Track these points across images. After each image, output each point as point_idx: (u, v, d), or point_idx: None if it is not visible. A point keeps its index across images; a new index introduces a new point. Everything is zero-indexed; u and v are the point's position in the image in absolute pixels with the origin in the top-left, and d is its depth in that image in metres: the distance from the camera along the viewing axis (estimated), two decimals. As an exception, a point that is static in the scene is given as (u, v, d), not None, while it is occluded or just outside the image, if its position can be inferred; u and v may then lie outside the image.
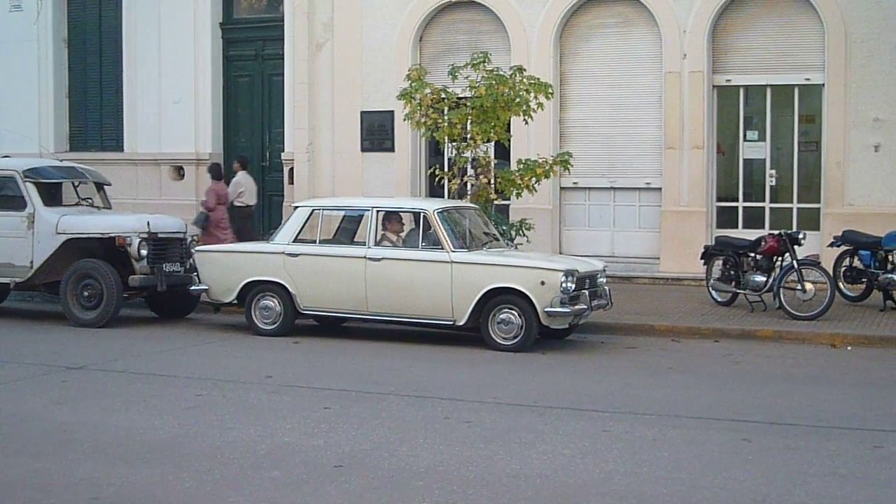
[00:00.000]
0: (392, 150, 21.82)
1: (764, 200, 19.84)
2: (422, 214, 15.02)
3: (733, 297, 17.06)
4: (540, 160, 17.41)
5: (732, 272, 17.08)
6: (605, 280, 15.28)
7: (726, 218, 20.04)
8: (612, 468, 8.75)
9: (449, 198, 18.32)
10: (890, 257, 16.64)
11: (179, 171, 23.86)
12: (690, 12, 19.81)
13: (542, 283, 14.08)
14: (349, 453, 9.11)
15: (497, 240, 15.82)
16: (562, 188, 20.66)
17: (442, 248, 14.59)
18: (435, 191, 20.51)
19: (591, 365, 13.57)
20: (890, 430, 10.18)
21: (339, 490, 8.09)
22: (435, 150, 21.18)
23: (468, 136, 17.31)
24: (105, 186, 18.14)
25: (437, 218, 14.78)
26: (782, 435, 10.00)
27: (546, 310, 14.04)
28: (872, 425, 10.36)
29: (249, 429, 9.97)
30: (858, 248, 16.97)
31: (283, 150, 22.94)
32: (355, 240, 15.84)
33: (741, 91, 20.12)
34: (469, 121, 17.19)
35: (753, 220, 19.83)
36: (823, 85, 19.36)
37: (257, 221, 23.19)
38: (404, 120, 18.02)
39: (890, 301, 16.69)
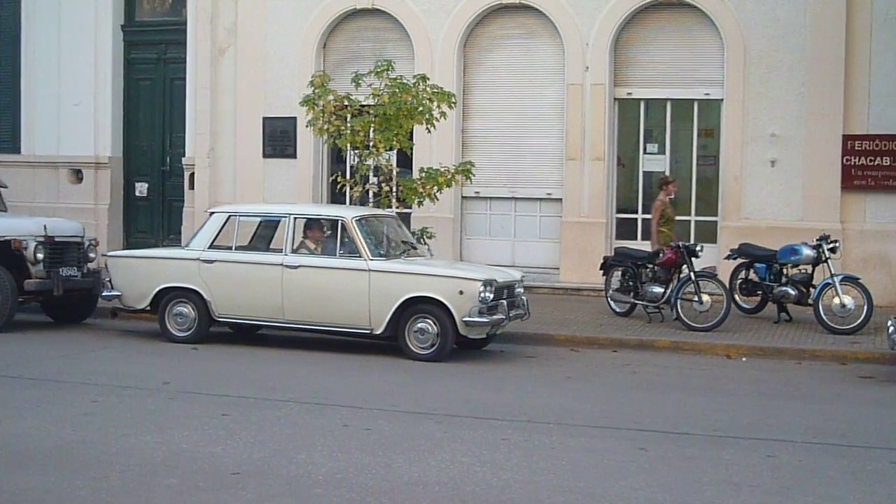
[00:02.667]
0: (294, 156, 21.72)
1: (662, 213, 20.05)
2: (339, 222, 14.79)
3: (631, 307, 17.24)
4: (442, 169, 17.46)
5: (631, 283, 17.27)
6: (522, 290, 15.26)
7: (626, 229, 20.24)
8: (510, 476, 8.80)
9: (351, 205, 18.26)
10: (784, 270, 16.93)
11: (78, 175, 23.51)
12: (593, 26, 19.99)
13: (461, 292, 14.02)
14: (247, 460, 9.05)
15: (415, 248, 15.75)
16: (463, 197, 20.73)
17: (360, 257, 14.44)
18: (337, 198, 20.45)
19: (491, 374, 13.62)
20: (782, 439, 10.35)
21: (237, 498, 8.04)
22: (337, 158, 21.14)
23: (371, 143, 17.32)
24: (1, 189, 17.83)
25: (356, 226, 14.63)
26: (678, 444, 10.12)
27: (464, 319, 13.98)
28: (765, 435, 10.53)
29: (146, 436, 9.87)
30: (754, 261, 17.24)
31: (184, 155, 22.72)
32: (272, 247, 15.56)
33: (642, 104, 20.35)
34: (372, 128, 17.19)
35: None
36: (722, 100, 19.64)
37: (157, 226, 22.99)
38: (307, 126, 17.96)
39: (784, 313, 16.98)
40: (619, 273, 17.53)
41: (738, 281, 17.43)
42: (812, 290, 16.64)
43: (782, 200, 19.12)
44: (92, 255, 16.89)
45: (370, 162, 17.54)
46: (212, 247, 15.27)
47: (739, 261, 17.48)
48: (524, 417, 11.05)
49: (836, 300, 16.20)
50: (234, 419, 10.60)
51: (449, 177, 17.38)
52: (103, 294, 16.05)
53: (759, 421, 11.20)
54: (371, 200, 17.76)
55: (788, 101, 19.20)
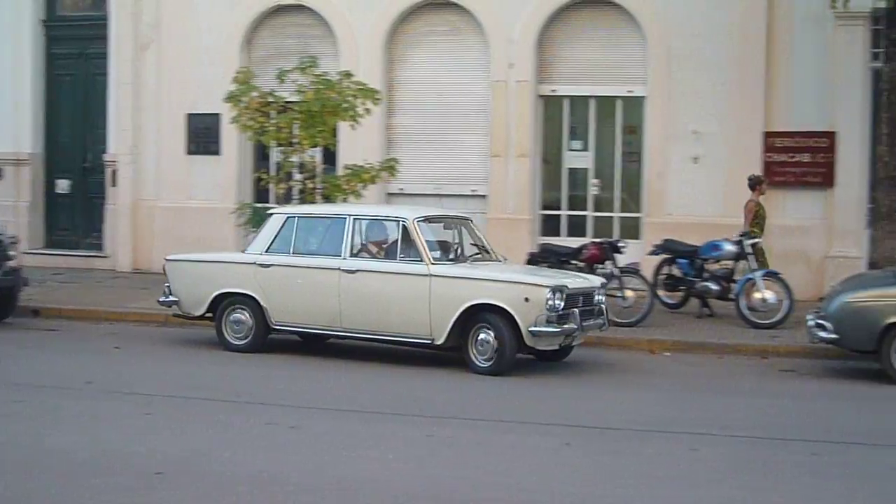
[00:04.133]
0: (218, 153, 21.58)
1: (587, 209, 20.18)
2: (401, 223, 13.88)
3: (556, 303, 17.30)
4: (366, 166, 17.43)
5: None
6: (603, 298, 14.15)
7: (550, 226, 20.33)
8: (437, 473, 8.82)
9: (276, 202, 18.16)
10: (706, 266, 17.10)
11: (-2, 171, 23.22)
12: (517, 23, 20.06)
13: (527, 299, 12.97)
14: (171, 460, 8.99)
15: (487, 252, 14.72)
16: (388, 194, 20.69)
17: (421, 261, 13.52)
18: (261, 195, 20.35)
19: (416, 370, 13.63)
20: (705, 433, 10.46)
21: (161, 497, 7.98)
22: (262, 154, 21.03)
23: (295, 140, 17.25)
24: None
25: (418, 227, 13.73)
26: (602, 439, 10.22)
27: (530, 329, 12.93)
28: (688, 428, 10.64)
29: (69, 436, 9.77)
30: (677, 256, 17.39)
31: (106, 152, 22.48)
32: (327, 249, 14.37)
33: (566, 101, 20.44)
34: (296, 125, 17.12)
35: (577, 228, 20.15)
36: (645, 97, 19.79)
37: (79, 224, 22.74)
38: (231, 123, 17.86)
39: (706, 308, 17.16)
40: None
41: (662, 276, 17.57)
42: (733, 285, 16.84)
43: (705, 197, 19.30)
44: (12, 252, 16.57)
45: (295, 158, 17.48)
46: (269, 250, 14.46)
47: (662, 256, 17.62)
48: (451, 414, 11.09)
49: (758, 295, 16.42)
50: (157, 418, 10.53)
51: (373, 173, 17.36)
52: (160, 300, 15.34)
53: (682, 415, 11.34)
54: (295, 197, 17.71)
55: (711, 99, 19.37)
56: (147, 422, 10.37)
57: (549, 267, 17.17)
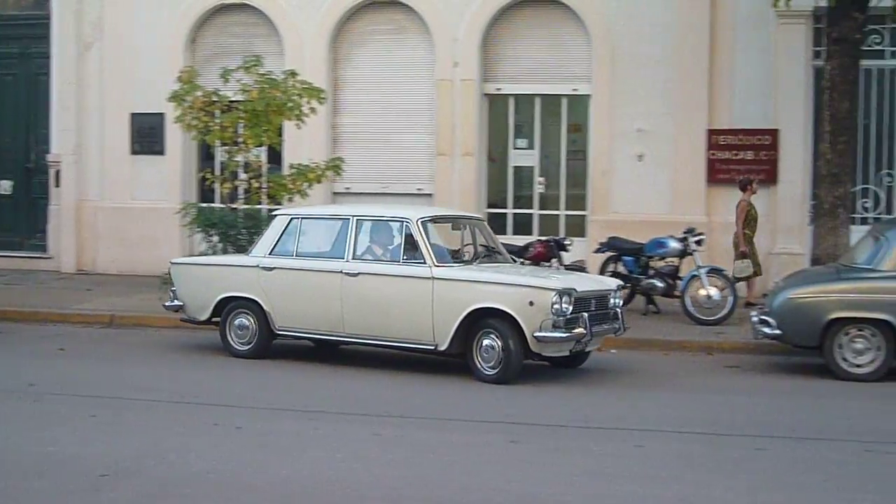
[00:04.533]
0: (163, 153, 21.44)
1: (533, 207, 20.23)
2: (404, 223, 13.36)
3: (503, 301, 17.31)
4: (312, 165, 17.38)
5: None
6: (619, 301, 13.52)
7: (496, 224, 20.23)
8: (383, 472, 8.81)
9: (221, 202, 18.05)
10: (652, 263, 17.20)
11: (-61, 173, 22.95)
12: (462, 21, 20.08)
13: (531, 303, 12.38)
14: (116, 462, 8.92)
15: (499, 254, 14.24)
16: (334, 193, 20.63)
17: (424, 263, 12.97)
18: (206, 195, 20.24)
19: (361, 369, 13.59)
20: (652, 429, 10.53)
21: (107, 499, 7.94)
22: (207, 154, 20.92)
23: (240, 139, 17.17)
24: None
25: (421, 227, 13.18)
26: (550, 436, 10.25)
27: (536, 335, 12.35)
28: (635, 425, 10.69)
29: (11, 438, 9.68)
30: (622, 254, 17.48)
31: (49, 152, 22.28)
32: (330, 251, 13.92)
33: (511, 100, 20.49)
34: (241, 124, 17.04)
35: (523, 226, 20.19)
36: (590, 96, 19.87)
37: (22, 225, 22.51)
38: (175, 122, 17.73)
39: (652, 305, 17.25)
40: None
41: (607, 274, 17.60)
42: (679, 281, 16.95)
43: (649, 194, 19.40)
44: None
45: (240, 158, 17.38)
46: (273, 252, 14.04)
47: (608, 254, 17.71)
48: (395, 412, 11.09)
49: (703, 292, 16.54)
50: (103, 420, 10.45)
51: (319, 173, 17.30)
52: (166, 305, 15.03)
53: (629, 412, 11.38)
54: (240, 197, 17.63)
55: (655, 97, 19.48)
56: (92, 424, 10.29)
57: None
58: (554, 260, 16.76)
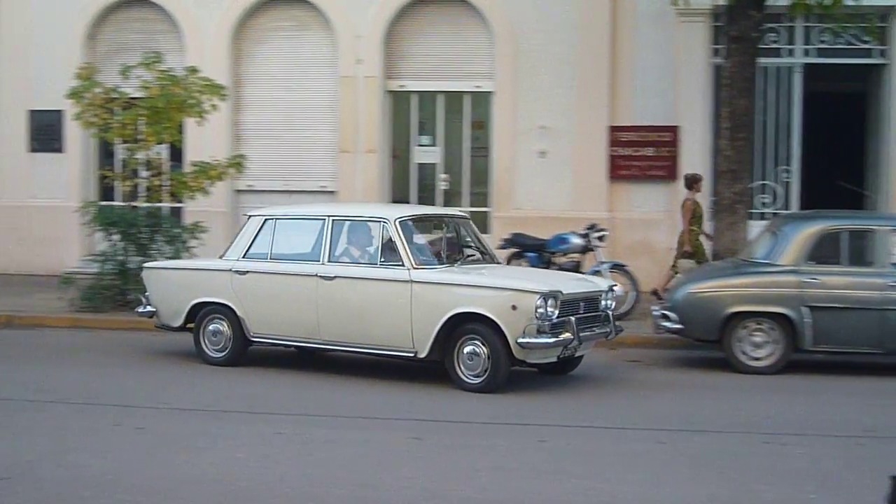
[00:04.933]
0: (62, 150, 21.15)
1: (437, 204, 20.25)
2: (383, 224, 12.66)
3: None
4: (214, 162, 17.25)
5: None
6: (611, 303, 12.89)
7: (401, 221, 20.32)
8: (286, 470, 8.77)
9: (122, 201, 17.83)
10: (554, 259, 17.29)
11: None
12: (365, 18, 20.05)
13: (514, 307, 11.72)
14: (14, 465, 8.77)
15: (485, 255, 13.64)
16: (237, 191, 20.51)
17: (402, 265, 12.31)
18: (107, 193, 20.00)
19: (262, 368, 13.50)
20: (554, 424, 10.59)
21: None
22: (107, 151, 20.67)
23: (140, 137, 16.99)
24: None
25: (399, 227, 12.50)
26: (453, 433, 10.25)
27: (520, 340, 11.71)
28: (538, 421, 10.73)
29: None
30: (526, 250, 17.53)
31: (-58, 150, 21.88)
32: (305, 254, 13.20)
33: (414, 97, 20.50)
34: (141, 121, 16.86)
35: (427, 223, 20.19)
36: (493, 92, 19.94)
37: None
38: (74, 120, 17.51)
39: (555, 301, 17.34)
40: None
41: (511, 270, 17.70)
42: (581, 277, 17.06)
43: (552, 191, 19.54)
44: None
45: (140, 156, 17.22)
46: (247, 255, 13.41)
47: (511, 250, 17.75)
48: (298, 411, 11.04)
49: (605, 287, 16.66)
50: (0, 423, 10.29)
51: (221, 170, 17.19)
52: (138, 311, 14.41)
53: (532, 407, 11.40)
54: (141, 195, 17.45)
55: (557, 94, 19.62)
56: (-12, 426, 10.13)
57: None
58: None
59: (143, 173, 17.49)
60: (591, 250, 17.03)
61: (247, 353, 13.61)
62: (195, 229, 17.11)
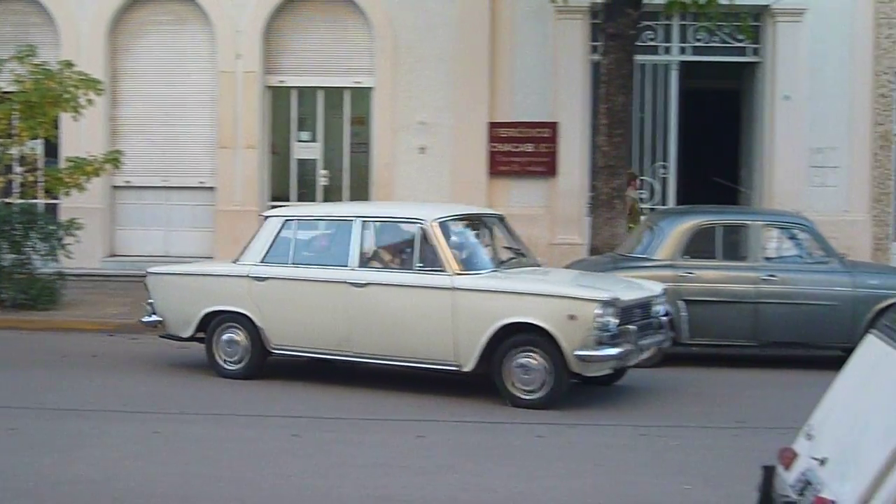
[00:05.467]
0: (-69, 146, 20.67)
1: (317, 200, 20.17)
2: (419, 225, 11.65)
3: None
4: (90, 158, 17.00)
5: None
6: (663, 308, 12.03)
7: (281, 217, 20.21)
8: (161, 470, 8.69)
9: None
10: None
11: None
12: (244, 13, 19.88)
13: (572, 317, 10.83)
14: None
15: (524, 256, 12.64)
16: (114, 187, 20.20)
17: (443, 271, 11.36)
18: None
19: (138, 366, 13.32)
20: (432, 419, 10.63)
21: None
22: (-20, 147, 20.24)
23: (14, 132, 16.69)
24: None
25: (439, 230, 11.55)
26: (332, 429, 10.25)
27: (577, 353, 10.85)
28: (415, 416, 10.78)
29: None
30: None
31: None
32: (331, 258, 12.33)
33: (294, 92, 20.39)
34: (15, 116, 16.57)
35: (307, 219, 20.10)
36: (373, 88, 19.92)
37: None
38: (-57, 114, 17.13)
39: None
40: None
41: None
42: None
43: (432, 186, 19.55)
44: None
45: (14, 151, 16.93)
46: (266, 260, 12.36)
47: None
48: (175, 409, 10.93)
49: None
50: None
51: (97, 166, 16.95)
52: (143, 320, 13.27)
53: (407, 403, 11.43)
54: (16, 191, 17.14)
55: (437, 90, 19.66)
56: None
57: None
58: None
59: (17, 169, 17.21)
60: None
61: (265, 364, 12.54)
62: (71, 226, 16.85)
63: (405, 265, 11.78)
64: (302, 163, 20.43)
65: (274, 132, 20.47)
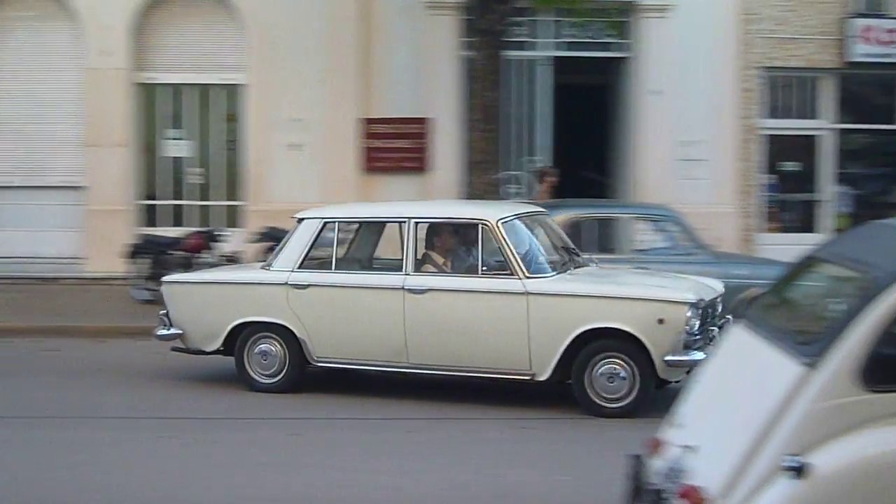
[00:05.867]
0: None
1: (190, 198, 19.97)
2: (481, 226, 10.96)
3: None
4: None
5: (157, 270, 17.07)
6: (720, 307, 11.31)
7: (152, 216, 20.00)
8: (28, 475, 8.54)
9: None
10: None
11: None
12: (112, 8, 19.57)
13: (661, 321, 10.29)
14: None
15: (577, 255, 11.84)
16: (-22, 187, 19.82)
17: (512, 275, 10.69)
18: None
19: (13, 373, 13.00)
20: (307, 417, 10.60)
21: None
22: None
23: None
24: None
25: (503, 230, 10.87)
26: (207, 430, 10.14)
27: (666, 358, 10.29)
28: (290, 414, 10.76)
29: None
30: (280, 243, 17.47)
31: None
32: (380, 263, 11.97)
33: (165, 89, 20.15)
34: None
35: (178, 217, 19.92)
36: (245, 85, 19.77)
37: None
38: None
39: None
40: (145, 260, 17.32)
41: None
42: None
43: (305, 183, 19.47)
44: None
45: None
46: (304, 266, 11.56)
47: (266, 244, 17.65)
48: (46, 413, 10.75)
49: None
50: None
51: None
52: (160, 334, 12.21)
53: (281, 401, 11.38)
54: None
55: (310, 87, 19.58)
56: None
57: (152, 258, 16.89)
58: (209, 251, 16.60)
59: None
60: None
61: (304, 376, 11.75)
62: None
63: (467, 269, 11.09)
64: (174, 161, 20.20)
65: (144, 130, 20.20)
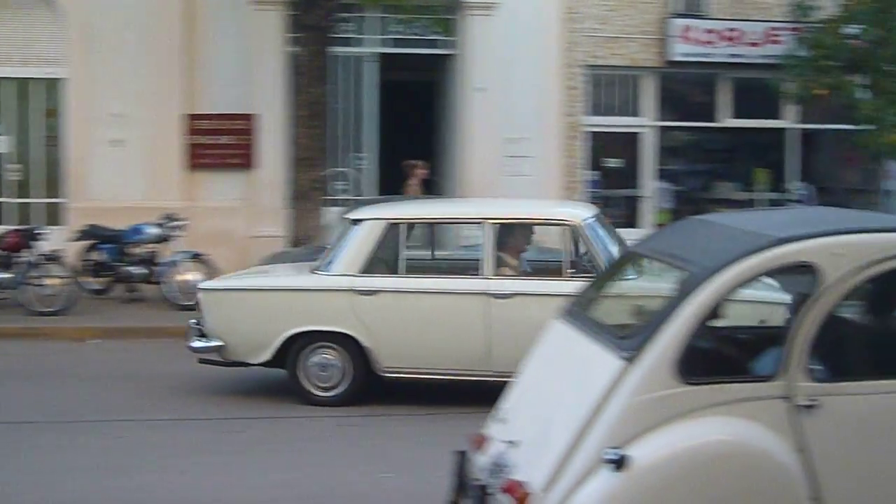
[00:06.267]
0: None
1: (7, 195, 19.45)
2: (567, 228, 10.56)
3: (-23, 295, 16.55)
4: None
5: (-25, 270, 16.62)
6: None
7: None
8: None
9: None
10: (130, 250, 17.00)
11: None
12: (-77, 0, 18.99)
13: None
14: None
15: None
16: None
17: None
18: None
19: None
20: (129, 419, 10.44)
21: None
22: None
23: None
24: None
25: (590, 232, 10.54)
26: (25, 432, 9.93)
27: None
28: (113, 416, 10.57)
29: None
30: (101, 241, 17.17)
31: None
32: (449, 265, 11.31)
33: (-19, 84, 19.63)
34: None
35: (-3, 215, 19.42)
36: (65, 79, 19.32)
37: None
38: None
39: (133, 293, 17.01)
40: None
41: (87, 262, 17.26)
42: (158, 268, 16.85)
43: (128, 180, 19.12)
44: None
45: None
46: (367, 270, 10.81)
47: (87, 242, 17.34)
48: None
49: (180, 277, 16.52)
50: None
51: None
52: (194, 346, 11.26)
53: (107, 403, 11.18)
54: None
55: (132, 80, 19.18)
56: None
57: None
58: (28, 250, 16.20)
59: None
60: (168, 240, 16.86)
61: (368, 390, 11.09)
62: None
63: (550, 272, 10.65)
64: (-7, 157, 19.67)
65: (-40, 125, 19.62)
